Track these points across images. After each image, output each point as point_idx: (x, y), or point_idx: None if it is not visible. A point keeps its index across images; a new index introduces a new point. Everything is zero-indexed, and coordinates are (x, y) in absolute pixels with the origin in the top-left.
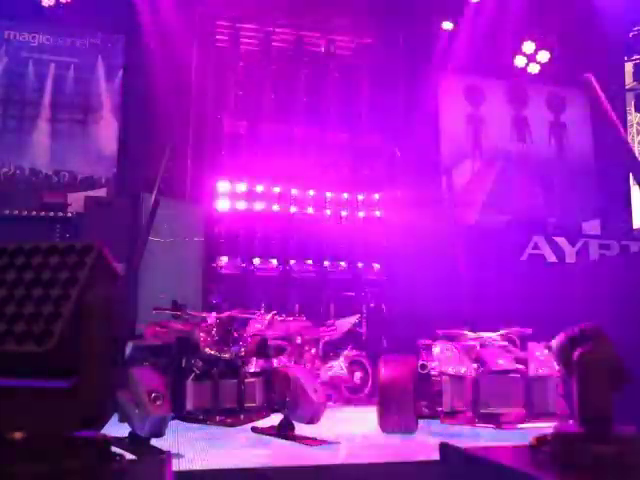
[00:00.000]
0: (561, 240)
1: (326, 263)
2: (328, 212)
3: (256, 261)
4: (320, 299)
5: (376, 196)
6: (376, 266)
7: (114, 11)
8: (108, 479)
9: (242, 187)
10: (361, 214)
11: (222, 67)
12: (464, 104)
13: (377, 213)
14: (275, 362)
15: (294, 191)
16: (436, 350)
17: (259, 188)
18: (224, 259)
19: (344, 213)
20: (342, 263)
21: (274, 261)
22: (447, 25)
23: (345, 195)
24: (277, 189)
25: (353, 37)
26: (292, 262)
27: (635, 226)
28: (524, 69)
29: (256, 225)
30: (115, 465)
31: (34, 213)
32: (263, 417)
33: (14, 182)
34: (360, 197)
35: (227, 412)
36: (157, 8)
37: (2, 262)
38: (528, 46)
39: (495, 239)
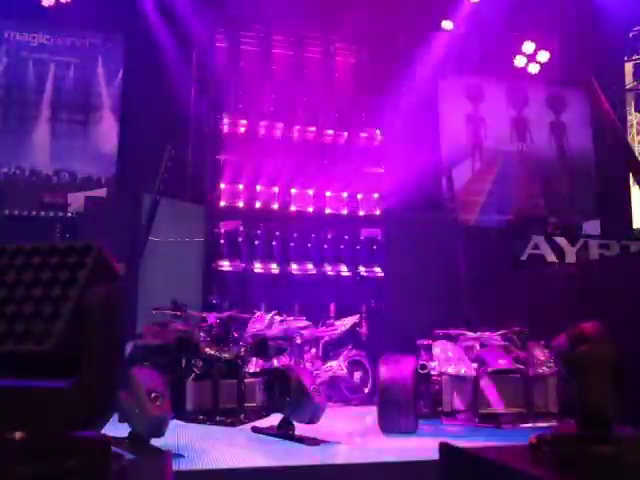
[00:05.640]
0: (561, 240)
1: (328, 267)
2: (328, 211)
3: (256, 262)
4: (320, 299)
5: (375, 195)
6: (377, 270)
7: (114, 11)
8: (108, 479)
9: (242, 187)
10: (361, 213)
11: (222, 66)
12: (464, 104)
13: (377, 212)
14: (275, 362)
15: (293, 190)
16: (436, 350)
17: (258, 187)
18: (224, 259)
19: (345, 212)
20: (344, 268)
21: (274, 265)
22: (447, 25)
23: (345, 194)
24: (276, 188)
25: (353, 37)
26: (293, 265)
27: (635, 226)
28: (524, 69)
29: (256, 224)
30: (115, 465)
31: (34, 213)
32: (263, 417)
33: (14, 182)
34: (359, 196)
35: (227, 412)
36: (157, 8)
37: (2, 262)
38: (528, 46)
39: (495, 239)
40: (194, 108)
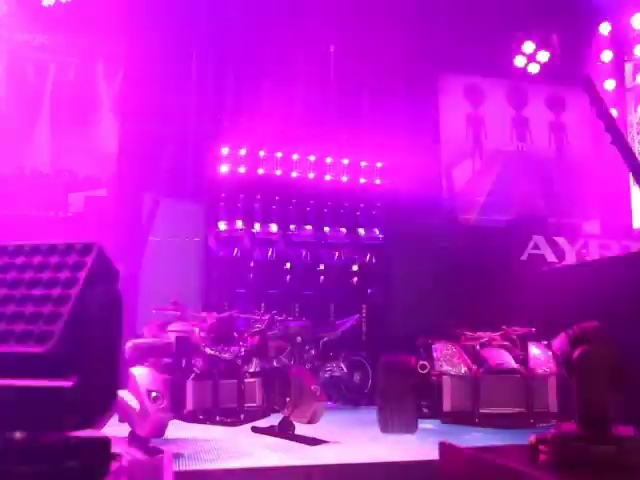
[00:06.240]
0: (561, 240)
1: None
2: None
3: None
4: (320, 299)
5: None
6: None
7: (114, 11)
8: (108, 479)
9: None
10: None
11: (222, 65)
12: (464, 104)
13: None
14: (275, 362)
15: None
16: (436, 350)
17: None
18: (224, 256)
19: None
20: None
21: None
22: (447, 25)
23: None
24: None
25: (353, 37)
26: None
27: (635, 226)
28: (524, 69)
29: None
30: (115, 465)
31: (34, 213)
32: (263, 417)
33: (14, 182)
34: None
35: (227, 412)
36: (156, 8)
37: (2, 262)
38: (528, 46)
39: (495, 239)
40: (194, 107)
